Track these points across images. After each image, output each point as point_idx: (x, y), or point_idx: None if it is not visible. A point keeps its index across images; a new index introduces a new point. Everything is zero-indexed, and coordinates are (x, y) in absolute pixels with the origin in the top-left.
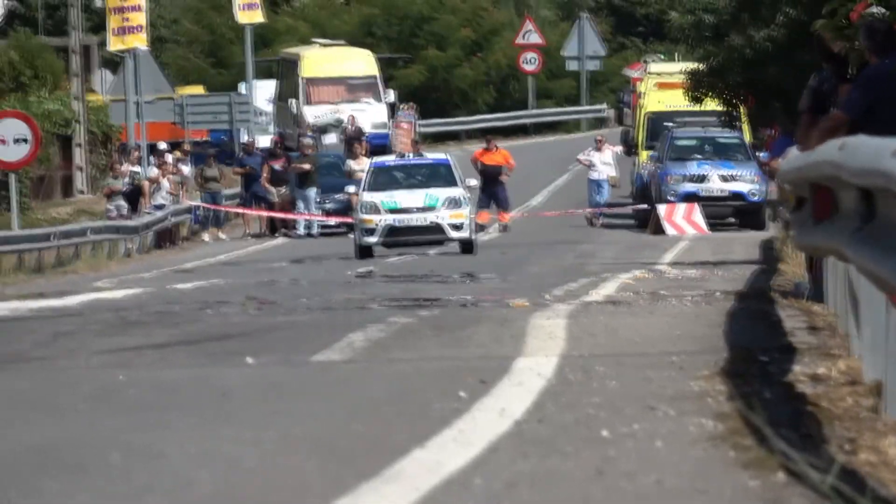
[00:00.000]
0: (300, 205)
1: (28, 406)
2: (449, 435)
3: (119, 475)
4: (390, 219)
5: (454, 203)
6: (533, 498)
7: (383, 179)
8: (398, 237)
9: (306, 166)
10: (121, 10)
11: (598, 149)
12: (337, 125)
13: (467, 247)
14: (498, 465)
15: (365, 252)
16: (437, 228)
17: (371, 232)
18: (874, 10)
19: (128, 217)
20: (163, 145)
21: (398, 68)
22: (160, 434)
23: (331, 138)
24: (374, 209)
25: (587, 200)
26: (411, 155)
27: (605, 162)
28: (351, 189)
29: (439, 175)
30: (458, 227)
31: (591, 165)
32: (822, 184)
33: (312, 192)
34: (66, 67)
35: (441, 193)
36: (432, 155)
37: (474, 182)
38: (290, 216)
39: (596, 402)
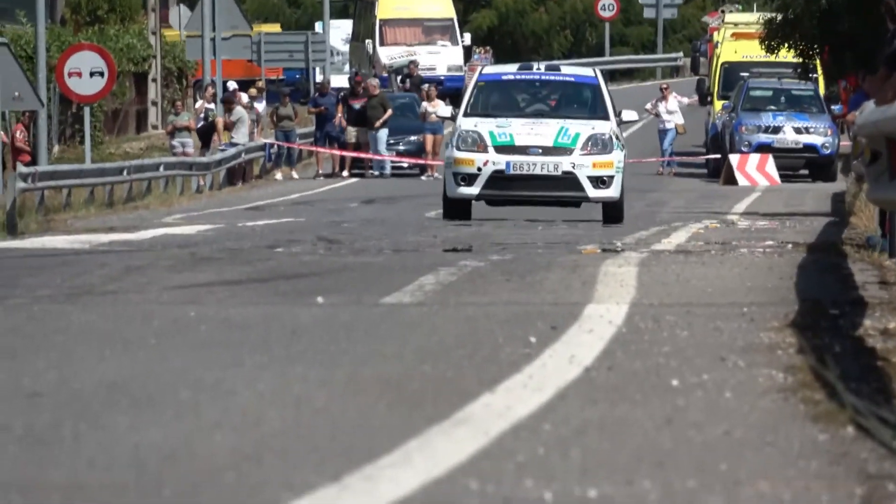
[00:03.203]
0: (372, 146)
1: (98, 340)
2: (518, 380)
3: (189, 411)
4: (500, 161)
5: (601, 144)
6: (601, 445)
7: (495, 100)
8: (509, 191)
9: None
10: None
11: (664, 98)
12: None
13: (613, 212)
14: (567, 411)
15: (457, 208)
16: (570, 181)
17: (469, 179)
18: None
19: (198, 154)
20: (232, 84)
21: (471, 12)
22: (230, 371)
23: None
24: (477, 144)
25: (660, 150)
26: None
27: (670, 111)
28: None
29: (581, 100)
30: (602, 182)
31: (657, 115)
32: None
33: (384, 133)
34: (142, 2)
35: (582, 128)
36: (573, 69)
37: (633, 114)
38: (362, 156)
39: (666, 351)
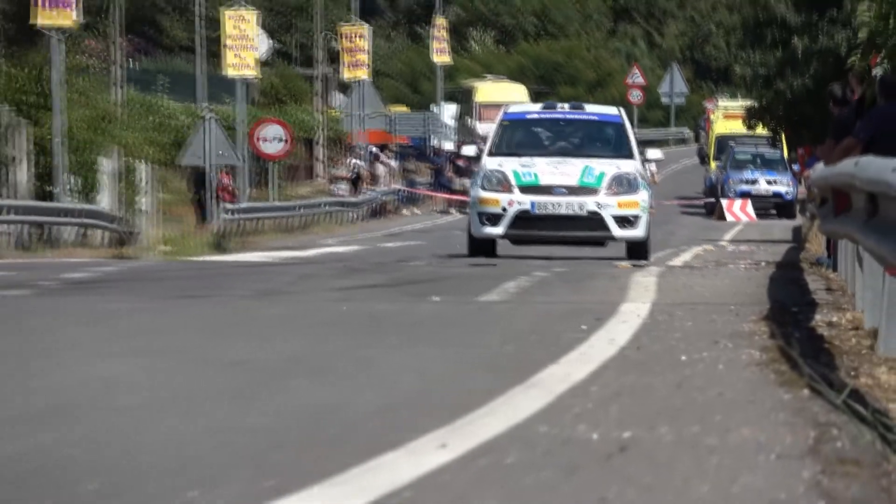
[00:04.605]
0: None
1: (281, 326)
2: (574, 355)
3: (346, 377)
4: (525, 201)
5: (626, 184)
6: (632, 403)
7: (520, 138)
8: (533, 231)
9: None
10: (351, 50)
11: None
12: None
13: (639, 252)
14: (607, 378)
15: (481, 247)
16: (595, 221)
17: (494, 219)
18: (881, 68)
19: (350, 195)
20: (373, 149)
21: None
22: (373, 350)
23: None
24: (503, 184)
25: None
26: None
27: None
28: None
29: (605, 138)
30: (627, 222)
31: None
32: (840, 189)
33: None
34: (311, 89)
35: (607, 167)
36: (597, 107)
37: (658, 154)
38: (464, 199)
39: (677, 336)
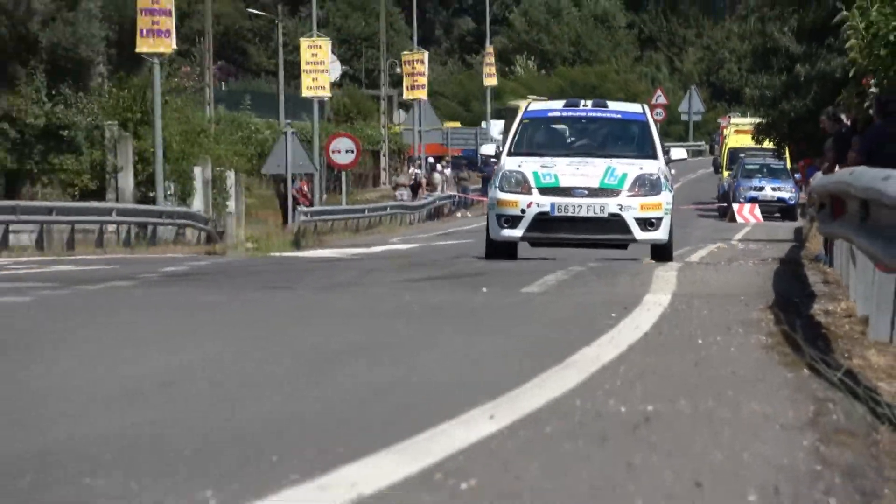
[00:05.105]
0: None
1: (349, 315)
2: (605, 339)
3: (407, 358)
4: (545, 203)
5: (648, 185)
6: (655, 380)
7: (540, 138)
8: (553, 233)
9: None
10: (411, 74)
11: None
12: None
13: (662, 253)
14: (633, 359)
15: (499, 250)
16: (617, 223)
17: (513, 221)
18: (873, 88)
19: (410, 200)
20: (430, 159)
21: None
22: (433, 336)
23: None
24: (522, 185)
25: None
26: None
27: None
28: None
29: (628, 138)
30: (650, 224)
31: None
32: (837, 195)
33: None
34: (376, 108)
35: (629, 168)
36: (620, 105)
37: (682, 153)
38: None
39: (694, 323)
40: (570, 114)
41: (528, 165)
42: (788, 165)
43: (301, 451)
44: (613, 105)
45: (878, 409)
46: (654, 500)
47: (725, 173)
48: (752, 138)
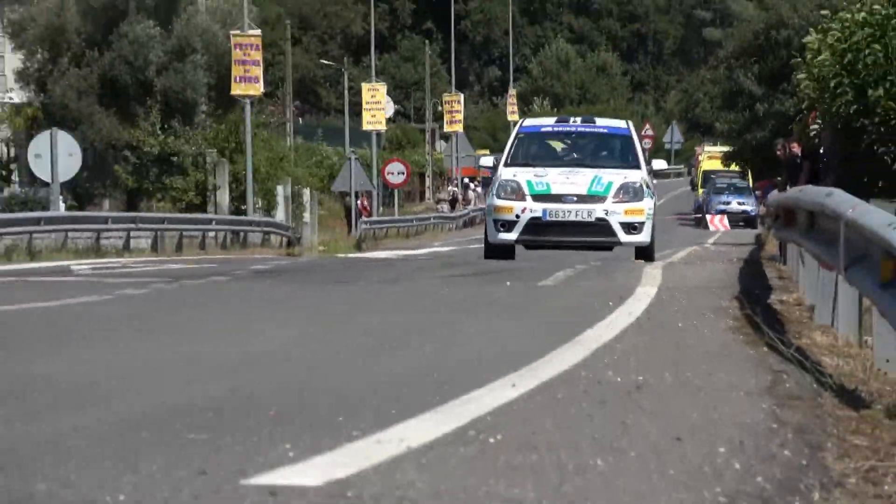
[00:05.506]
0: None
1: (401, 304)
2: (604, 323)
3: (445, 339)
4: (537, 208)
5: (632, 192)
6: (645, 356)
7: (534, 151)
8: (545, 236)
9: None
10: (450, 112)
11: None
12: None
13: (645, 254)
14: (628, 339)
15: (497, 252)
16: (603, 227)
17: (508, 226)
18: (817, 125)
19: (449, 212)
20: (465, 180)
21: None
22: (466, 320)
23: None
24: (517, 192)
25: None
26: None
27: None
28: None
29: (613, 150)
30: (633, 228)
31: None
32: (789, 208)
33: None
34: (422, 138)
35: (615, 177)
36: (607, 121)
37: (662, 163)
38: None
39: (675, 309)
40: (561, 129)
41: (523, 175)
42: (750, 184)
43: (362, 413)
44: (600, 121)
45: (822, 378)
46: (642, 452)
47: (700, 191)
48: (722, 163)
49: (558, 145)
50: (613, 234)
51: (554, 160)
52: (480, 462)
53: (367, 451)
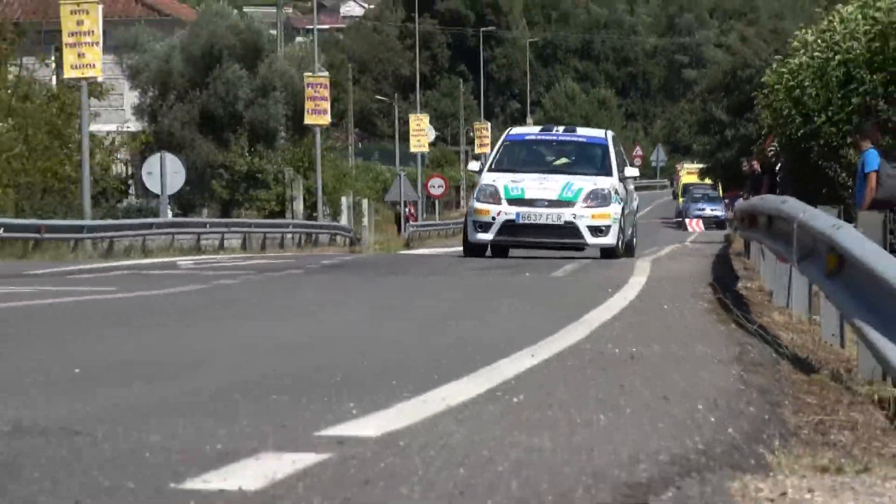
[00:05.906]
0: None
1: (438, 291)
2: (603, 307)
3: (476, 320)
4: (511, 212)
5: (599, 198)
6: (637, 331)
7: (516, 157)
8: (518, 237)
9: None
10: (480, 137)
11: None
12: None
13: (609, 254)
14: (624, 318)
15: (475, 250)
16: (571, 230)
17: (485, 227)
18: (774, 146)
19: None
20: None
21: None
22: (494, 304)
23: None
24: (494, 196)
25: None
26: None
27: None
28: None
29: (589, 158)
30: (599, 231)
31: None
32: (752, 213)
33: None
34: (458, 159)
35: (585, 184)
36: (588, 130)
37: (634, 171)
38: None
39: (662, 295)
40: (544, 137)
41: (501, 180)
42: (721, 194)
43: (411, 377)
44: (581, 130)
45: (779, 349)
46: (637, 409)
47: (680, 199)
48: (698, 177)
49: (539, 152)
50: (581, 236)
51: (532, 166)
52: (506, 417)
53: (415, 409)
